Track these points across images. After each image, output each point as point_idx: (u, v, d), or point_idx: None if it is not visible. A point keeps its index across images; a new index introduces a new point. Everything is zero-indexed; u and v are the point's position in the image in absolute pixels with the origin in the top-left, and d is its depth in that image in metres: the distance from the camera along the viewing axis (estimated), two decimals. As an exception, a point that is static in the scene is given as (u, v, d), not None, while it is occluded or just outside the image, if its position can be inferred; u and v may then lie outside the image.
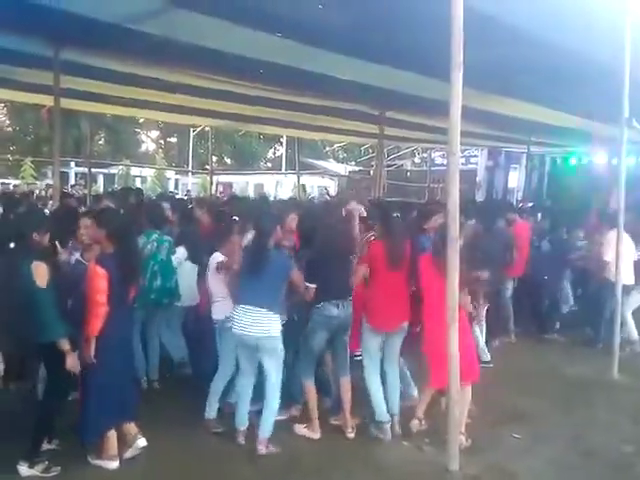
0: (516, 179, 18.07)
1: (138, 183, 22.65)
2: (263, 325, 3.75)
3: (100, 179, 22.58)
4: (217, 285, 4.19)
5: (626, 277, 5.99)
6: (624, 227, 5.64)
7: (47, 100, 8.41)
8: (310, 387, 4.10)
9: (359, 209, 4.72)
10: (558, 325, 6.98)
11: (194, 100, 9.26)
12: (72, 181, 21.03)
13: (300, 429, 4.14)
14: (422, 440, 4.02)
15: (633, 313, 6.44)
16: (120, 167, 23.34)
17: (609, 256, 6.09)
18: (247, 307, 3.77)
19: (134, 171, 24.58)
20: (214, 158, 24.89)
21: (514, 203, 12.33)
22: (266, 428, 3.81)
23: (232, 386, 4.19)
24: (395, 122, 10.64)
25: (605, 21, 4.74)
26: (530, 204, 12.86)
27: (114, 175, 23.62)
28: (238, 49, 5.95)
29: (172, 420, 4.11)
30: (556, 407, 4.62)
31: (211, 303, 4.26)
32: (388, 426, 4.10)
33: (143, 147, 32.67)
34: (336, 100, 8.93)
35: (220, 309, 4.15)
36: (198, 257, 4.96)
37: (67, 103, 8.33)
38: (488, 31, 4.58)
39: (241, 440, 3.90)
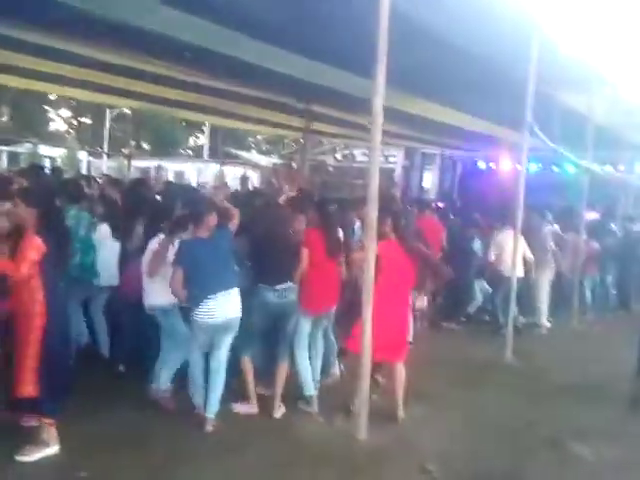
0: (430, 179, 18.96)
1: (47, 164, 21.31)
2: (237, 304, 3.92)
3: (4, 157, 21.02)
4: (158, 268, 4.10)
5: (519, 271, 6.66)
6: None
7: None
8: (247, 364, 4.21)
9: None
10: (463, 318, 7.49)
11: (113, 79, 8.81)
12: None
13: (238, 407, 4.26)
14: (336, 415, 4.28)
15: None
16: (27, 145, 21.83)
17: (493, 255, 6.99)
18: (221, 293, 3.84)
19: (43, 150, 23.06)
20: (131, 142, 24.04)
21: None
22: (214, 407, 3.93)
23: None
24: (321, 117, 10.86)
25: (516, 34, 5.21)
26: (441, 204, 13.68)
27: (19, 154, 22.03)
28: (163, 29, 5.70)
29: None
30: (455, 387, 5.05)
31: (145, 287, 4.21)
32: (315, 399, 4.36)
33: (52, 126, 30.65)
34: (264, 91, 8.99)
35: (160, 294, 4.10)
36: (121, 236, 4.92)
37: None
38: (408, 34, 4.87)
39: (209, 427, 3.90)
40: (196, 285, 3.81)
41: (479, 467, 3.70)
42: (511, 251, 6.35)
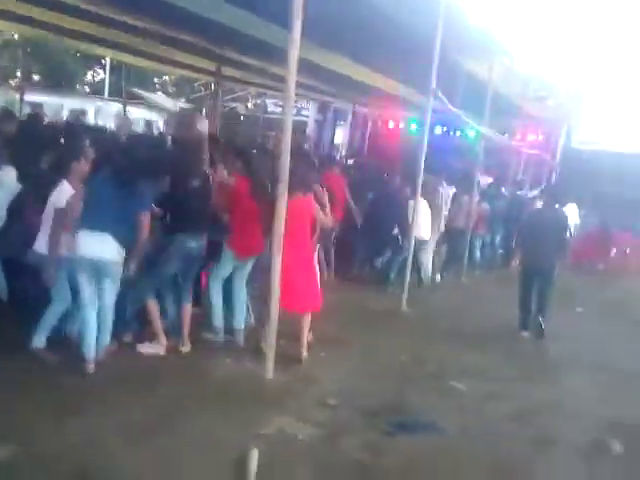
0: (342, 135, 19.25)
1: None
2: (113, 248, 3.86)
3: None
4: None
5: (423, 232, 7.26)
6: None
7: None
8: (152, 305, 4.32)
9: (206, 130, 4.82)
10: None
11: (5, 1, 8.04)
12: None
13: (144, 347, 4.35)
14: (244, 357, 4.50)
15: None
16: None
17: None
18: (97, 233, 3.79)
19: None
20: (19, 73, 21.69)
21: (337, 157, 13.28)
22: (101, 347, 3.96)
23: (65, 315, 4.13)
24: (233, 63, 10.57)
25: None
26: (351, 160, 14.01)
27: None
28: None
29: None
30: (354, 332, 5.44)
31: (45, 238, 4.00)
32: (221, 332, 4.65)
33: None
34: (175, 30, 8.56)
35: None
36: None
37: None
38: None
39: (91, 369, 3.88)
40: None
41: (371, 399, 4.08)
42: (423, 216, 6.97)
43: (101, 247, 3.83)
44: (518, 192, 10.86)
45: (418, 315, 6.32)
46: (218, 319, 4.68)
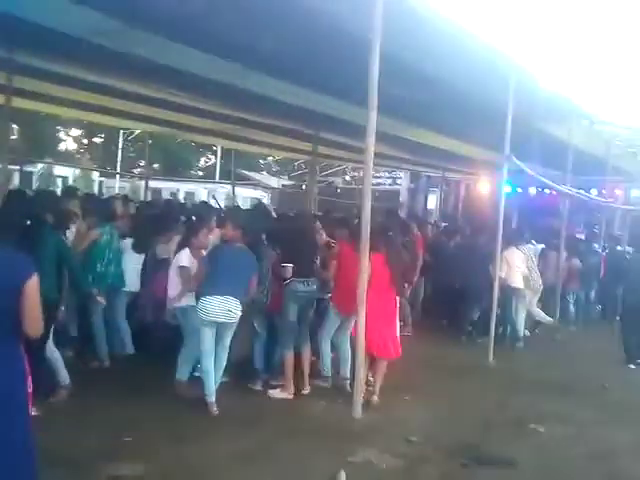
0: (434, 201, 19.79)
1: (60, 183, 21.73)
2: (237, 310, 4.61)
3: (16, 177, 21.15)
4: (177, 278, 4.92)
5: (517, 281, 7.51)
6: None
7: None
8: (290, 357, 5.04)
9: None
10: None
11: (128, 105, 9.51)
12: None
13: (275, 393, 5.05)
14: (338, 399, 5.06)
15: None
16: (41, 165, 22.10)
17: (504, 272, 7.34)
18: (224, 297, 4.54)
19: (57, 171, 23.52)
20: (142, 163, 24.56)
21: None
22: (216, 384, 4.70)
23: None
24: (327, 141, 11.72)
25: (496, 73, 6.03)
26: (444, 224, 14.42)
27: (31, 173, 22.18)
28: (180, 65, 6.50)
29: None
30: (438, 380, 5.78)
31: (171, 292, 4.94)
32: (330, 380, 5.30)
33: (62, 146, 31.06)
34: (274, 119, 9.86)
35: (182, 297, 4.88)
36: (144, 248, 5.76)
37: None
38: (401, 73, 5.65)
39: (214, 411, 4.56)
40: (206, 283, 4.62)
41: (452, 438, 4.40)
42: (516, 266, 7.34)
43: (227, 311, 4.55)
44: (618, 247, 10.62)
45: (504, 368, 6.47)
46: (327, 368, 5.30)
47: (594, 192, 11.38)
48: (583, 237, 10.39)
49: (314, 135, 10.98)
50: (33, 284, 2.47)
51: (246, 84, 7.22)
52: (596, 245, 10.15)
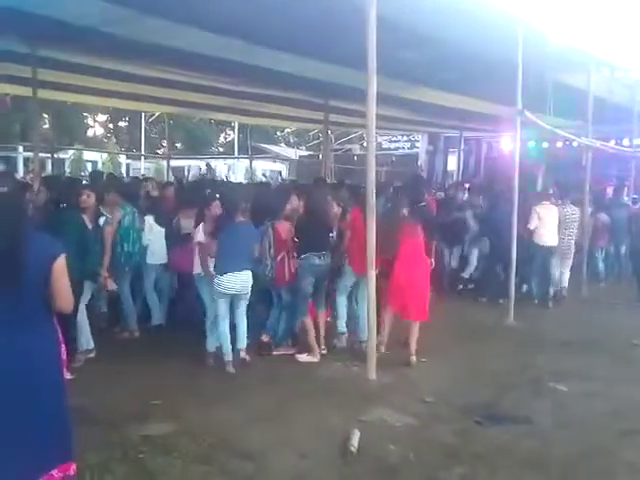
0: (454, 162, 19.41)
1: (89, 167, 22.59)
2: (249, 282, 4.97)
3: (48, 164, 22.23)
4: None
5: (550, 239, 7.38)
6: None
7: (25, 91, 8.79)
8: (308, 322, 5.26)
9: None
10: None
11: (153, 89, 9.88)
12: (21, 166, 20.80)
13: (303, 357, 5.27)
14: (351, 361, 5.17)
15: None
16: (72, 152, 23.24)
17: (533, 224, 7.31)
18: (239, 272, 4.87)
19: (86, 155, 24.43)
20: (165, 143, 25.00)
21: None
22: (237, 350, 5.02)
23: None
24: (338, 110, 11.60)
25: (501, 28, 5.82)
26: (467, 185, 14.16)
27: (63, 160, 23.28)
28: (191, 47, 6.74)
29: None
30: (458, 342, 5.78)
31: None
32: (344, 337, 5.57)
33: (90, 132, 32.01)
34: (287, 90, 9.80)
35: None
36: (164, 223, 5.97)
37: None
38: (410, 35, 5.67)
39: (231, 370, 4.89)
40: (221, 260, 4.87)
41: (467, 398, 4.42)
42: (549, 223, 7.26)
43: (241, 282, 4.91)
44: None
45: (525, 328, 6.41)
46: (342, 327, 5.55)
47: (626, 142, 10.93)
48: (611, 191, 10.02)
49: (325, 104, 10.90)
50: (61, 265, 2.60)
51: (255, 60, 7.41)
52: (626, 198, 9.79)
